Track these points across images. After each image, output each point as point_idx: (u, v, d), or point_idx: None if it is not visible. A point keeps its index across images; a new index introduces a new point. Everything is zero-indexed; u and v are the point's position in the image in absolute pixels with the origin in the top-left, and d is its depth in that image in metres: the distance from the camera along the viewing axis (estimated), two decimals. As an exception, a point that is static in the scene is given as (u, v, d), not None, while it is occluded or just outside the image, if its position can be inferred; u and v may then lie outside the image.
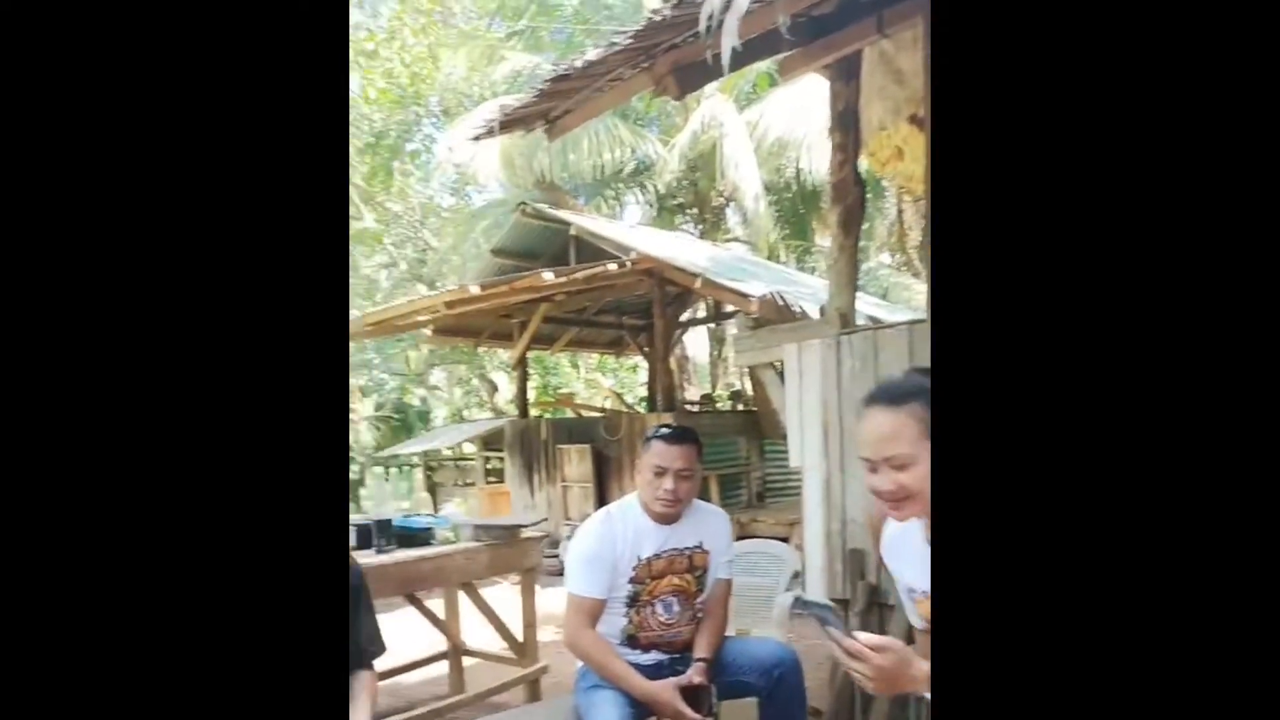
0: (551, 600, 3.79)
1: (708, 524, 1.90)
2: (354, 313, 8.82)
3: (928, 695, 0.98)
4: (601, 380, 12.29)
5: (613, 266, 5.53)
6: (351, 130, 8.70)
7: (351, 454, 11.32)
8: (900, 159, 2.71)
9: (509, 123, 2.41)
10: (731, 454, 6.46)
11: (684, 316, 8.54)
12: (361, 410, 11.96)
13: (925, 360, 0.86)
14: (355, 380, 11.45)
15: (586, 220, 7.21)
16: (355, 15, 10.01)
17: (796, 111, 8.07)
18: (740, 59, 1.73)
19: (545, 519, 6.01)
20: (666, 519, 1.83)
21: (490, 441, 8.12)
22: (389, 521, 2.70)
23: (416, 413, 12.19)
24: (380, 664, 1.84)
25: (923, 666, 1.02)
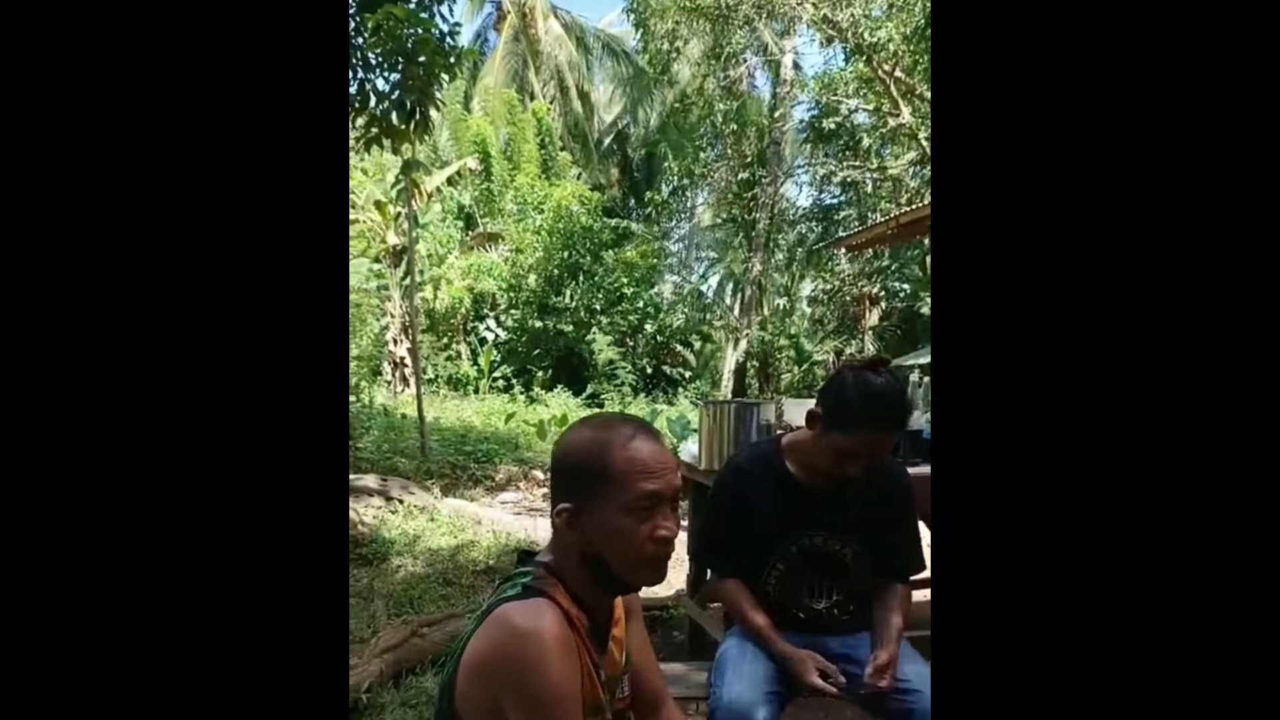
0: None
1: None
2: (875, 217, 8.60)
3: None
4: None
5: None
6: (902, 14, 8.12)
7: (854, 363, 11.42)
8: None
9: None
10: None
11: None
12: (867, 321, 11.96)
13: None
14: (869, 288, 11.43)
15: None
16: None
17: None
18: None
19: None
20: None
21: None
22: (919, 433, 2.51)
23: (925, 322, 11.67)
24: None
25: None
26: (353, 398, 6.17)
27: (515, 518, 4.74)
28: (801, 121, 12.16)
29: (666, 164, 14.20)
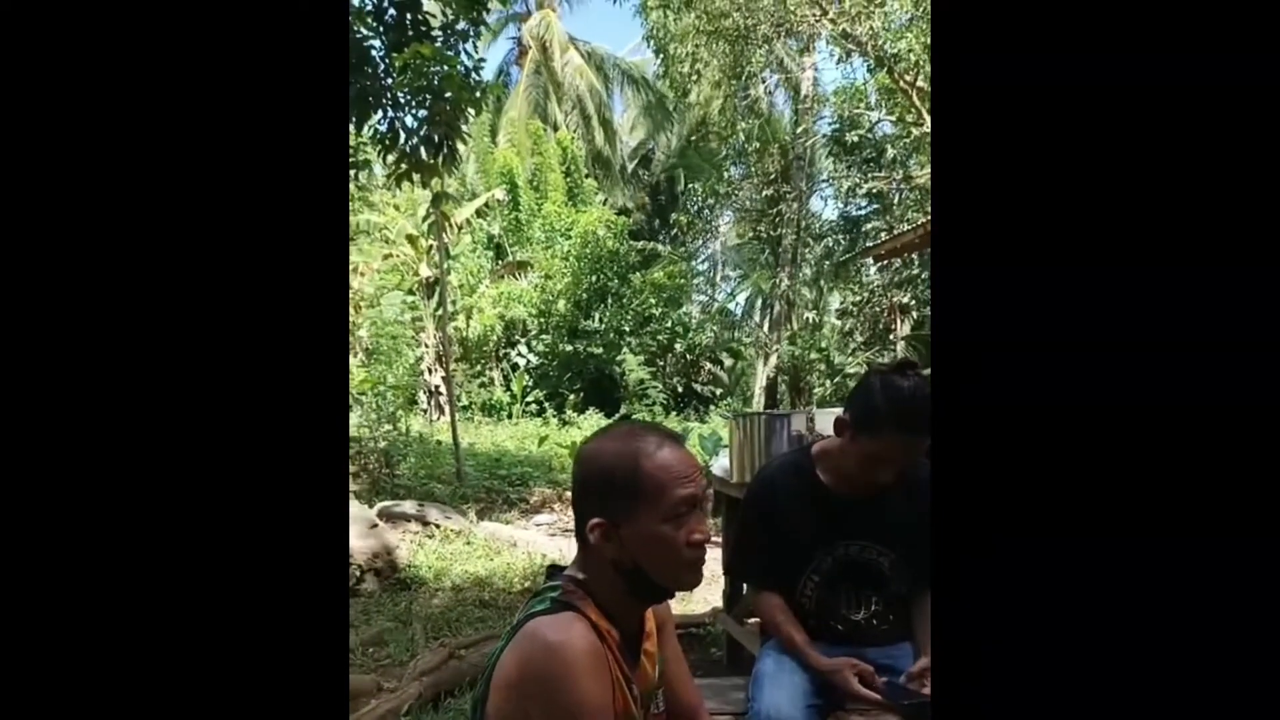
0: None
1: None
2: (903, 227, 8.56)
3: None
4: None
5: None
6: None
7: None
8: None
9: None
10: None
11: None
12: (899, 331, 11.81)
13: None
14: (899, 298, 11.30)
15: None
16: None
17: None
18: None
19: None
20: None
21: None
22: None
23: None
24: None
25: None
26: (389, 426, 6.26)
27: (550, 539, 4.75)
28: (825, 136, 12.17)
29: (690, 185, 14.27)
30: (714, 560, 3.42)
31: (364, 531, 3.89)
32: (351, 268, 10.01)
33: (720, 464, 2.92)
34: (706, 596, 3.64)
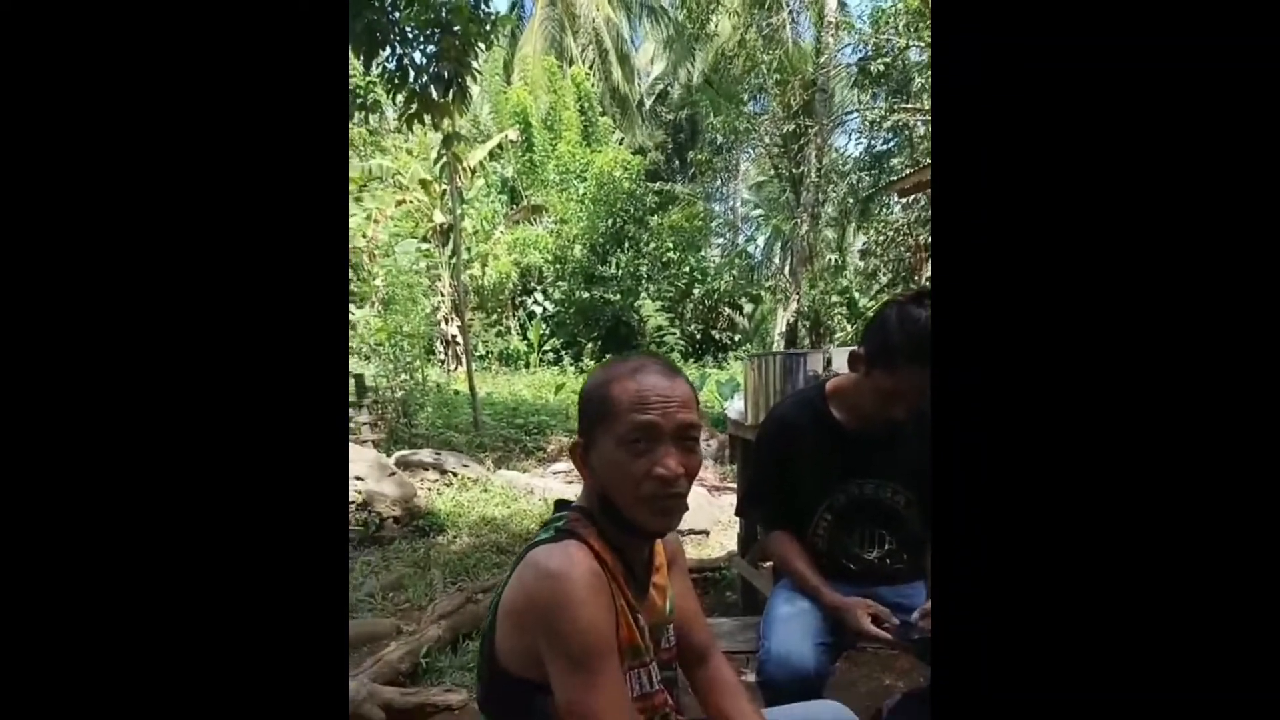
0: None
1: None
2: (910, 170, 8.27)
3: None
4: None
5: None
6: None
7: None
8: None
9: None
10: None
11: None
12: (923, 272, 11.55)
13: None
14: (924, 236, 11.01)
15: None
16: None
17: None
18: None
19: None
20: None
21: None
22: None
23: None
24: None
25: None
26: (406, 375, 6.27)
27: (568, 486, 4.76)
28: (850, 65, 11.65)
29: (708, 120, 13.82)
30: (730, 505, 3.41)
31: (381, 478, 3.91)
32: (365, 215, 9.92)
33: (735, 407, 2.86)
34: (723, 541, 3.63)
